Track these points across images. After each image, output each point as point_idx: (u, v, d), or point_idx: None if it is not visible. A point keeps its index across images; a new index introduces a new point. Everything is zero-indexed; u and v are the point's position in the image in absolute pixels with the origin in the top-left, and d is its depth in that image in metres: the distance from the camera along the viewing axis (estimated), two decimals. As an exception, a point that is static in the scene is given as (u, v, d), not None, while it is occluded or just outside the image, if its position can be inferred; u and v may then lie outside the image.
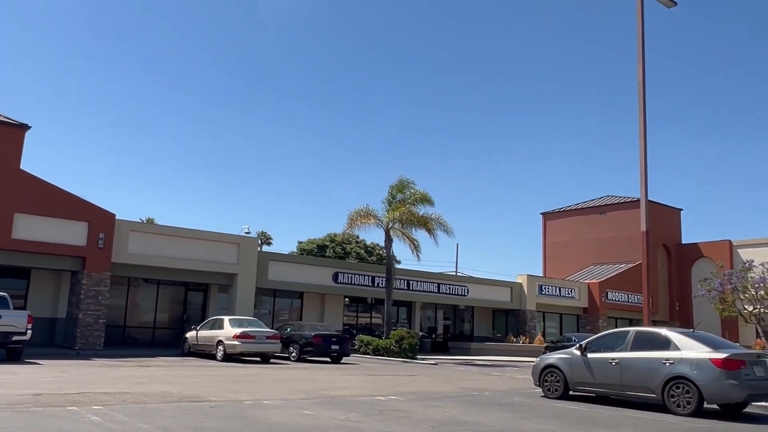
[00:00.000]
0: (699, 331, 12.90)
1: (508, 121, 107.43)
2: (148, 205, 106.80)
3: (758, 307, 39.27)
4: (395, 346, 26.85)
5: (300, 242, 74.56)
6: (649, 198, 48.18)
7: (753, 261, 40.45)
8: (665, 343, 12.11)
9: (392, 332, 27.75)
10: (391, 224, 29.28)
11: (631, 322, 46.35)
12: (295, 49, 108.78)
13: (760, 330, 40.09)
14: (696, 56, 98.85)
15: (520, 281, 39.73)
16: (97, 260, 23.57)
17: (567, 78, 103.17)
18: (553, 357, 14.01)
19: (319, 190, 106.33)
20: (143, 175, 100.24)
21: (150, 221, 76.74)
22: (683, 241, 49.56)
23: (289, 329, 24.51)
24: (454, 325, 40.78)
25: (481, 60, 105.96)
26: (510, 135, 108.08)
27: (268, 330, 22.21)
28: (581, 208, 50.90)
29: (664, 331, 12.46)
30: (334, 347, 23.26)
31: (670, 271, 48.39)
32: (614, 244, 47.52)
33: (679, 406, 11.50)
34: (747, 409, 12.60)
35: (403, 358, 26.41)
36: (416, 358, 26.71)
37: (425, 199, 29.48)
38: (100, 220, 23.74)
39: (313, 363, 22.73)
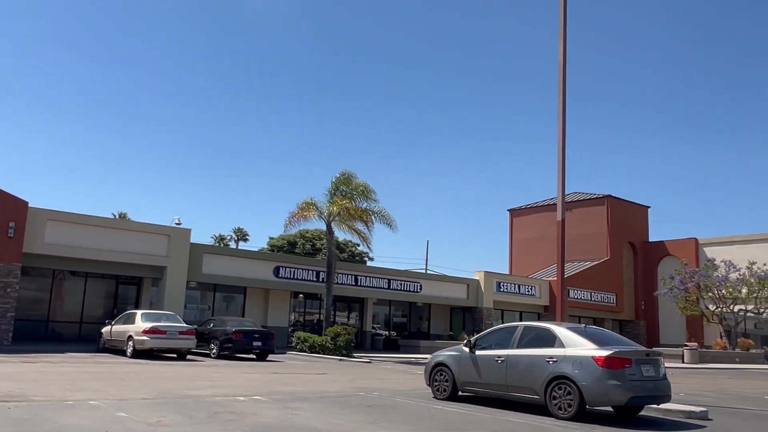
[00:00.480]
0: (592, 327, 11.82)
1: (482, 120, 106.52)
2: (124, 204, 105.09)
3: (720, 306, 38.47)
4: (330, 344, 25.71)
5: (271, 238, 73.34)
6: (609, 194, 46.39)
7: (714, 259, 39.69)
8: (551, 340, 11.01)
9: (328, 329, 26.61)
10: (332, 217, 28.12)
11: (595, 321, 45.50)
12: (284, 46, 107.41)
13: (721, 329, 39.28)
14: (665, 59, 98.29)
15: (478, 278, 38.67)
16: (7, 250, 22.26)
17: (534, 78, 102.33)
18: (444, 354, 12.88)
19: (297, 188, 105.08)
20: (117, 173, 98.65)
21: (123, 216, 75.33)
22: (650, 239, 48.65)
23: (212, 324, 23.30)
24: (410, 322, 39.69)
25: (450, 58, 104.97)
26: (483, 133, 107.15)
27: (182, 325, 20.97)
28: (548, 205, 49.85)
29: (551, 326, 11.35)
30: (257, 344, 22.06)
31: (636, 270, 47.48)
32: (580, 241, 46.50)
33: (560, 408, 10.39)
34: (645, 413, 11.52)
35: (339, 355, 25.26)
36: (352, 356, 25.57)
37: (366, 193, 28.38)
38: (9, 208, 22.41)
39: (236, 360, 21.54)
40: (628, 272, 47.19)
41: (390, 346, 35.60)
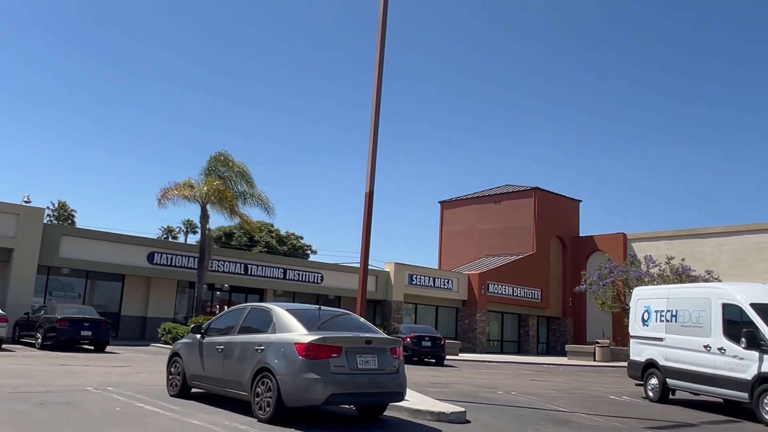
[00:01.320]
0: (327, 308, 9.88)
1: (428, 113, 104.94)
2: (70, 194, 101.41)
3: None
4: (190, 335, 23.58)
5: (209, 230, 70.53)
6: (536, 186, 44.19)
7: (635, 255, 38.29)
8: (267, 323, 9.05)
9: (191, 319, 24.50)
10: (206, 198, 25.94)
11: (520, 318, 43.96)
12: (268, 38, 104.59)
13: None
14: (597, 51, 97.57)
15: (388, 270, 36.76)
16: None
17: (474, 70, 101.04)
18: (181, 342, 10.83)
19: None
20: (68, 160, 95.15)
21: (62, 205, 72.13)
22: (584, 234, 47.16)
23: (42, 312, 21.03)
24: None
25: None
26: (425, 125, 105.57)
27: (-9, 312, 18.69)
28: (478, 197, 48.19)
29: (271, 307, 9.37)
30: (85, 333, 19.88)
31: (564, 265, 45.93)
32: (508, 234, 44.91)
33: (261, 408, 8.43)
34: (392, 413, 9.61)
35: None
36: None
37: (244, 175, 26.33)
38: None
39: (61, 351, 19.28)
40: (557, 267, 45.63)
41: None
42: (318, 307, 9.71)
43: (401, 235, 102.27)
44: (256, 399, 8.48)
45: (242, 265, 30.89)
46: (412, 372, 20.19)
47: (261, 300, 33.66)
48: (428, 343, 24.34)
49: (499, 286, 40.53)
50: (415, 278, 37.31)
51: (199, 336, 10.14)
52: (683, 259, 35.15)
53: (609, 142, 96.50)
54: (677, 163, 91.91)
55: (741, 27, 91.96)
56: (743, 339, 11.86)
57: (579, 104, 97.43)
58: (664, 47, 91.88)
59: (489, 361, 29.56)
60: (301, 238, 73.65)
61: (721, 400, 13.79)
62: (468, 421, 9.45)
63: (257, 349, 8.68)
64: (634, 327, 15.64)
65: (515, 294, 41.48)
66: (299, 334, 8.41)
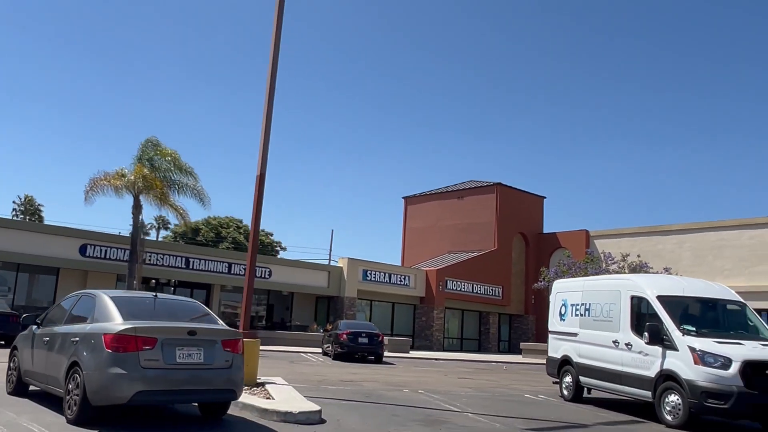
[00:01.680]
0: (166, 296, 8.96)
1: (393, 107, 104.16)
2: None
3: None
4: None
5: (175, 225, 69.55)
6: (499, 182, 43.19)
7: (592, 251, 37.69)
8: (90, 311, 8.10)
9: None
10: (136, 188, 24.86)
11: (481, 315, 43.21)
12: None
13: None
14: (564, 51, 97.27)
15: (341, 265, 35.84)
16: None
17: (440, 66, 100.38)
18: (21, 334, 9.82)
19: (231, 174, 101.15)
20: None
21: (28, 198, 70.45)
22: (549, 231, 46.47)
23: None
24: (271, 312, 36.73)
25: (345, 39, 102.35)
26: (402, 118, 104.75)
27: None
28: (442, 193, 47.37)
29: (97, 293, 8.41)
30: (-9, 328, 18.74)
31: (527, 262, 45.21)
32: (470, 231, 44.12)
33: (69, 408, 7.48)
34: (239, 413, 8.69)
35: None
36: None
37: (177, 162, 25.30)
38: None
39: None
40: (520, 264, 44.91)
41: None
42: (154, 294, 8.76)
43: (367, 231, 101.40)
44: (67, 397, 7.54)
45: (183, 259, 29.83)
46: (334, 369, 19.40)
47: (207, 296, 32.69)
48: (365, 340, 23.44)
49: (458, 283, 39.72)
50: (370, 274, 36.40)
51: (34, 327, 9.16)
52: (639, 256, 34.57)
53: (576, 139, 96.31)
54: (641, 160, 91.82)
55: (702, 21, 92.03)
56: (645, 333, 11.07)
57: (544, 101, 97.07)
58: (627, 42, 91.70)
59: (437, 359, 28.72)
60: (271, 234, 72.57)
61: (642, 401, 13.01)
62: (322, 421, 8.55)
63: (73, 341, 7.74)
64: (552, 322, 14.85)
65: (475, 291, 40.68)
66: (113, 323, 7.48)
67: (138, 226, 26.02)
